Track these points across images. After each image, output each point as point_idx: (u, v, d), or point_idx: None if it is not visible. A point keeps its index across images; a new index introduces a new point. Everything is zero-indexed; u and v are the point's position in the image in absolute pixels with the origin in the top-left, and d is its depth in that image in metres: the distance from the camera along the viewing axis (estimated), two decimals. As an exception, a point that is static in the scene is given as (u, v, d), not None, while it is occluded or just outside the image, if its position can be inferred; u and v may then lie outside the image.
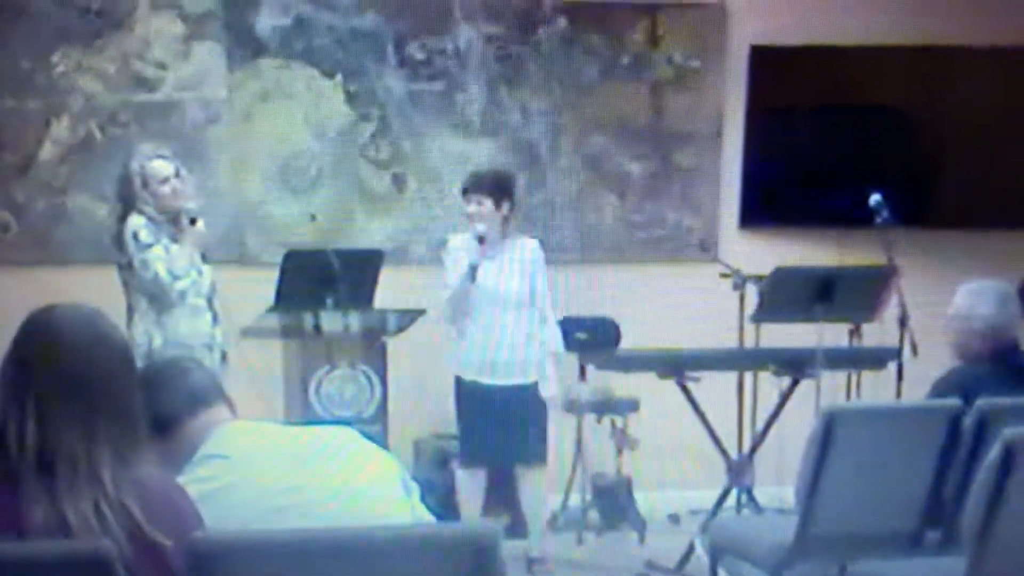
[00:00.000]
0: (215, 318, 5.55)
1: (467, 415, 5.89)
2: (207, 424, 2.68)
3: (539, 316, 5.88)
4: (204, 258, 5.58)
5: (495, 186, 5.84)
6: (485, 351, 5.80)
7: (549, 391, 5.89)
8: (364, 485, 2.64)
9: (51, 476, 2.22)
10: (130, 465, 2.27)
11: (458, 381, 5.89)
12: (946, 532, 4.17)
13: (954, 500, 4.07)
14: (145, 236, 5.39)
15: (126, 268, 5.45)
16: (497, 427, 5.77)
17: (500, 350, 5.80)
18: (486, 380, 5.81)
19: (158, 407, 2.62)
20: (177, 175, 5.51)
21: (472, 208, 5.79)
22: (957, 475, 4.11)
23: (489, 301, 5.77)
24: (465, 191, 5.85)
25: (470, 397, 5.85)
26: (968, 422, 4.11)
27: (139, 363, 5.46)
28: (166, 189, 5.45)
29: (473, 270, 5.68)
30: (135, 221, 5.40)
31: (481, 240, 5.71)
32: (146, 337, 5.38)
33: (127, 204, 5.47)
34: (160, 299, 5.41)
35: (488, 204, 5.78)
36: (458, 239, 5.93)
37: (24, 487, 2.21)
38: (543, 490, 5.99)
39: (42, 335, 2.32)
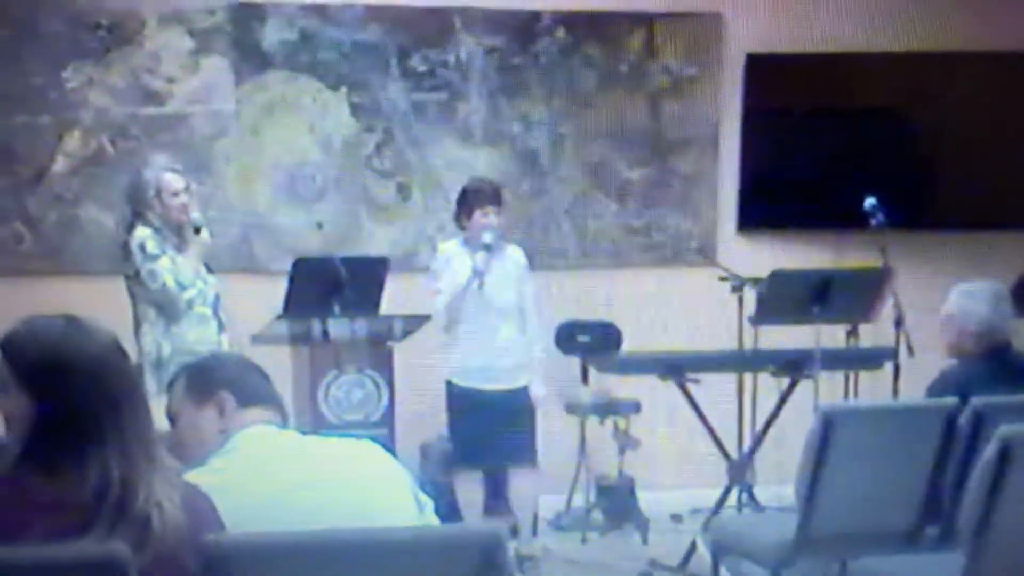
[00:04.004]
0: (221, 326, 5.60)
1: (459, 420, 5.92)
2: (251, 420, 2.76)
3: (526, 322, 5.96)
4: (209, 268, 5.63)
5: (501, 197, 5.92)
6: (479, 357, 5.84)
7: (537, 391, 5.94)
8: (372, 490, 2.70)
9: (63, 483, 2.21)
10: (148, 471, 2.25)
11: (449, 386, 5.93)
12: (944, 528, 4.21)
13: (951, 497, 4.11)
14: (152, 247, 5.42)
15: (133, 279, 5.48)
16: (488, 431, 5.81)
17: (493, 356, 5.84)
18: (479, 386, 5.85)
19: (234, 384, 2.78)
20: (187, 189, 5.57)
21: (491, 218, 5.82)
22: (954, 472, 4.15)
23: (483, 308, 5.81)
24: (480, 201, 5.83)
25: (462, 402, 5.89)
26: (964, 420, 4.15)
27: (148, 373, 5.54)
28: (177, 202, 5.50)
29: (480, 276, 5.73)
30: (141, 232, 5.44)
31: (489, 249, 5.79)
32: (155, 346, 5.42)
33: (136, 211, 5.51)
34: (168, 309, 5.45)
35: (498, 214, 5.86)
36: (449, 245, 5.98)
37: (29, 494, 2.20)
38: (533, 490, 6.02)
39: (38, 359, 2.28)
